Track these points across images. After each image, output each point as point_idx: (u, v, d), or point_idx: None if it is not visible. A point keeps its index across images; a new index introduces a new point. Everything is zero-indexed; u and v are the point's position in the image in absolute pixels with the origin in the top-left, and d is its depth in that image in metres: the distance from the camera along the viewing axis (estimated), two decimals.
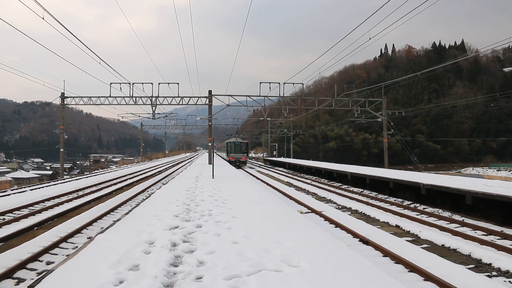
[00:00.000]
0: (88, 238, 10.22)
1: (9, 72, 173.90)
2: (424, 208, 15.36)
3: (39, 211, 14.31)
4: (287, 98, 39.42)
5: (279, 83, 34.43)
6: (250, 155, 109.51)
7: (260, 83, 34.47)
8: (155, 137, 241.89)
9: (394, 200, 18.05)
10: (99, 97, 35.98)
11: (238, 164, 48.46)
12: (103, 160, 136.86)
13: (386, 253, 8.44)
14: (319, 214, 13.59)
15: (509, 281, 7.05)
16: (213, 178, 22.02)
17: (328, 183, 26.99)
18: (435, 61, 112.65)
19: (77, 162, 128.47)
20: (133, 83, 34.11)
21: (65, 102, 37.67)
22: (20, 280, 7.10)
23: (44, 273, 5.99)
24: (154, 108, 37.25)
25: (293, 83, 36.19)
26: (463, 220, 12.75)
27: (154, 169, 42.57)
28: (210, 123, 38.45)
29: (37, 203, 16.17)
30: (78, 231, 10.87)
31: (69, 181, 28.16)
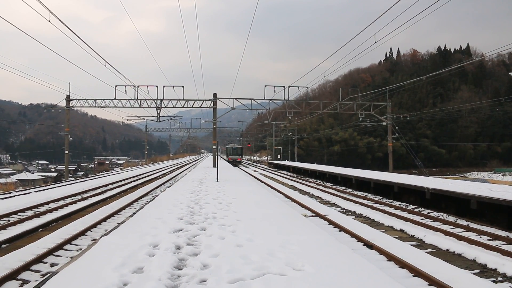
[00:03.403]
0: (92, 240, 10.25)
1: (16, 75, 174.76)
2: (428, 213, 15.30)
3: (44, 213, 14.36)
4: (291, 102, 39.44)
5: (283, 87, 34.47)
6: (255, 158, 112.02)
7: (265, 86, 34.52)
8: (159, 140, 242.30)
9: (399, 204, 17.99)
10: (104, 99, 36.13)
11: (235, 163, 64.27)
12: (108, 162, 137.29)
13: (390, 257, 8.41)
14: (324, 217, 13.56)
15: None
16: (217, 181, 22.01)
17: (333, 186, 26.94)
18: (440, 65, 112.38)
19: (82, 164, 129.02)
20: (138, 86, 34.27)
21: (70, 104, 37.79)
22: (25, 282, 7.12)
23: (48, 275, 6.00)
24: (158, 110, 37.33)
25: (298, 87, 36.23)
26: (468, 224, 12.68)
27: (159, 172, 42.65)
28: (214, 126, 38.50)
29: (42, 204, 16.23)
30: (83, 233, 10.90)
31: (73, 183, 28.24)
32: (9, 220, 12.77)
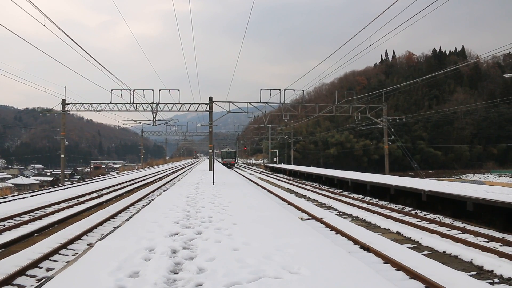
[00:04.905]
0: (88, 244, 10.19)
1: (12, 79, 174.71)
2: (425, 215, 15.31)
3: (40, 218, 14.29)
4: (287, 105, 39.48)
5: (279, 90, 34.49)
6: (251, 161, 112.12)
7: (261, 89, 34.60)
8: (155, 144, 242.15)
9: (395, 206, 18.01)
10: (100, 103, 36.09)
11: (229, 165, 69.58)
12: (104, 166, 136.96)
13: (387, 260, 8.40)
14: (320, 220, 13.55)
15: None
16: (213, 184, 22.00)
17: (329, 189, 26.94)
18: (435, 67, 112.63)
19: (78, 169, 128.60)
20: (134, 90, 34.25)
21: (66, 109, 37.75)
22: (20, 287, 7.08)
23: (44, 279, 5.97)
24: (154, 114, 37.33)
25: (294, 90, 36.27)
26: (464, 226, 12.70)
27: (155, 176, 42.55)
28: (210, 130, 38.49)
29: (38, 209, 16.15)
30: (78, 237, 10.84)
31: (69, 187, 28.13)
32: (4, 225, 12.69)
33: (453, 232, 11.88)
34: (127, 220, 10.90)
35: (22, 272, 7.64)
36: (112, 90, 33.51)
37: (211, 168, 35.39)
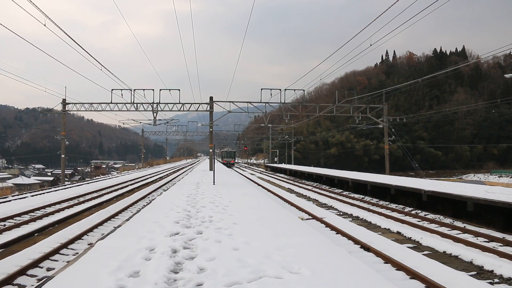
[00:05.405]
0: (88, 244, 10.20)
1: (12, 79, 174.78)
2: (425, 215, 15.31)
3: (40, 217, 14.30)
4: (288, 105, 39.48)
5: (280, 90, 34.48)
6: (251, 161, 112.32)
7: (262, 89, 34.56)
8: (156, 144, 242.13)
9: (396, 206, 18.01)
10: (101, 103, 36.08)
11: (229, 165, 71.05)
12: (104, 166, 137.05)
13: (387, 260, 8.40)
14: (320, 220, 13.55)
15: None
16: (214, 184, 22.00)
17: (329, 189, 26.93)
18: (436, 67, 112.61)
19: (78, 168, 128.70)
20: (134, 90, 34.23)
21: (66, 108, 37.77)
22: (20, 287, 7.09)
23: (44, 279, 5.98)
24: (155, 114, 37.33)
25: (294, 90, 36.24)
26: (464, 226, 12.70)
27: (155, 175, 42.55)
28: (211, 130, 38.50)
29: (38, 209, 16.16)
30: (79, 237, 10.85)
31: (70, 187, 28.14)
32: (5, 225, 12.70)
33: (453, 232, 11.88)
34: (127, 219, 10.90)
35: (22, 271, 7.64)
36: (112, 90, 33.52)
37: (211, 168, 35.38)
